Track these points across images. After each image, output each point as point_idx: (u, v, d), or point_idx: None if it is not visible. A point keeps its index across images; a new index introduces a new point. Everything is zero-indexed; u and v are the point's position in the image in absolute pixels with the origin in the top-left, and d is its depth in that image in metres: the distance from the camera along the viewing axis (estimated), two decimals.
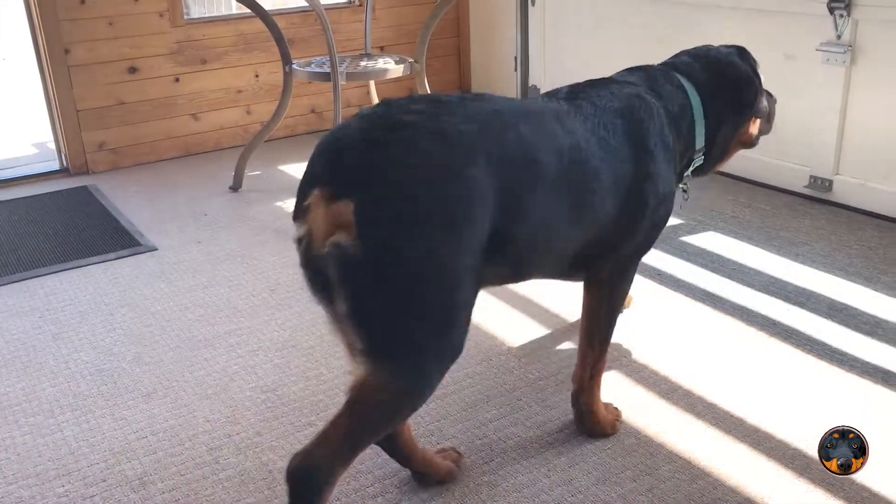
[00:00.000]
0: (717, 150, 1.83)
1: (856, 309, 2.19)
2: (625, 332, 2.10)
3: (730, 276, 2.39)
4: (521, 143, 1.39)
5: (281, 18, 3.62)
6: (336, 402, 1.86)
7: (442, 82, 4.37)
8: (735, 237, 2.64)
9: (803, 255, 2.50)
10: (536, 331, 2.15)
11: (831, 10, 2.71)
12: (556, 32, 3.91)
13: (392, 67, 3.04)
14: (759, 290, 2.31)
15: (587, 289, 1.71)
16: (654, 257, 2.51)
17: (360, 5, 4.01)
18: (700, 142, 1.76)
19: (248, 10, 3.12)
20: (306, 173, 1.33)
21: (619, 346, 2.04)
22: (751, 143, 1.93)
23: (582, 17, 3.75)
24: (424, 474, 1.60)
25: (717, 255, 2.53)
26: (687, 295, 2.29)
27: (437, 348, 1.33)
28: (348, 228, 1.23)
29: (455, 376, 1.94)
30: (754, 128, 1.90)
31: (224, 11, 3.87)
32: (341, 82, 2.88)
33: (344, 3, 4.14)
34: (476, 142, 1.32)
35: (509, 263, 1.44)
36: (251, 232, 2.87)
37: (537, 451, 1.68)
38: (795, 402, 1.81)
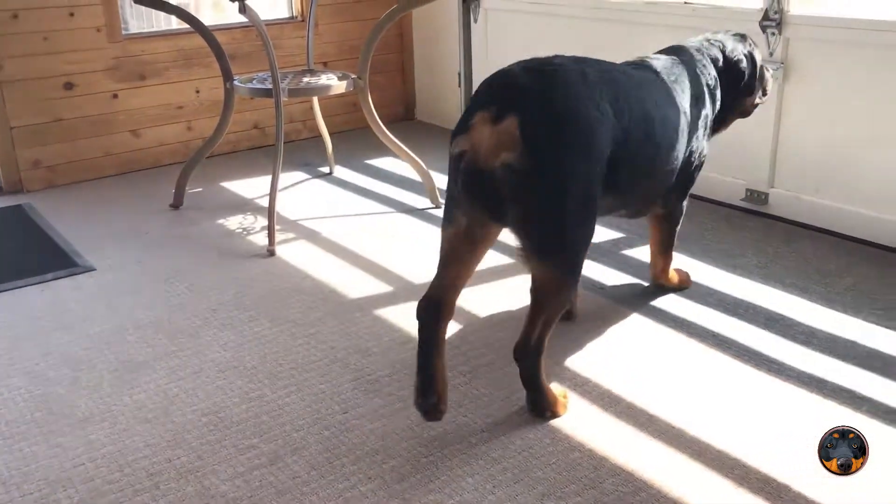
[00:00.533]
0: (718, 122, 2.25)
1: (792, 319, 2.24)
2: (567, 345, 2.12)
3: (669, 292, 2.43)
4: (631, 95, 1.80)
5: (222, 34, 3.59)
6: (280, 422, 1.84)
7: (386, 98, 4.38)
8: (675, 250, 2.69)
9: (741, 267, 2.56)
10: (481, 349, 2.16)
11: (763, 29, 2.80)
12: (498, 48, 3.95)
13: (335, 83, 3.03)
14: (699, 301, 2.35)
15: (655, 222, 2.27)
16: (595, 270, 2.54)
17: (303, 20, 4.00)
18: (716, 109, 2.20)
19: (189, 26, 3.09)
20: (471, 102, 1.64)
21: (560, 361, 2.06)
22: (748, 113, 2.38)
23: (522, 34, 3.80)
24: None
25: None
26: (627, 307, 2.33)
27: (584, 245, 1.69)
28: (514, 144, 1.51)
29: (401, 394, 1.94)
30: (751, 102, 2.34)
31: (164, 27, 3.82)
32: (283, 98, 2.87)
33: (286, 18, 4.13)
34: (605, 87, 1.72)
35: (612, 189, 1.76)
36: (192, 250, 2.83)
37: (483, 467, 1.68)
38: (735, 412, 1.84)
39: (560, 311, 1.76)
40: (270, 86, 2.87)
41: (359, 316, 2.34)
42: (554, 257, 1.64)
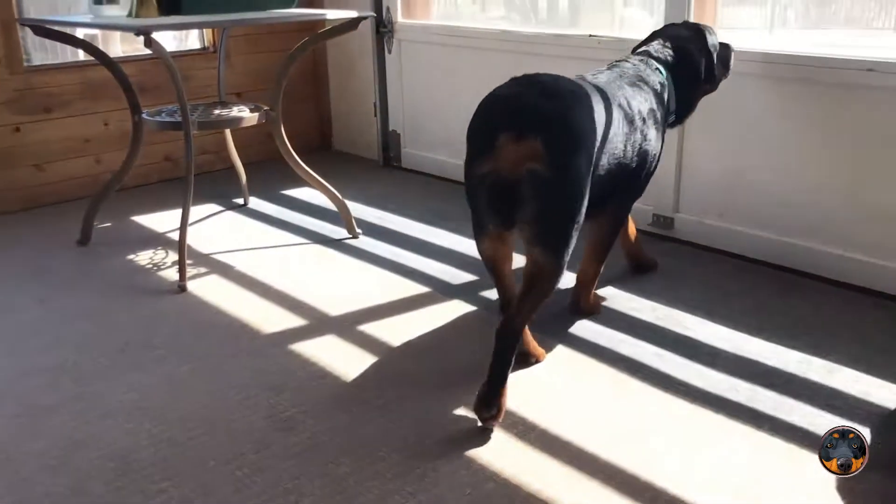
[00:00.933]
0: (684, 108, 2.48)
1: (697, 340, 2.32)
2: (480, 373, 2.13)
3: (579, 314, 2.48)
4: (602, 107, 2.05)
5: (131, 65, 3.52)
6: (190, 465, 1.80)
7: (301, 128, 4.36)
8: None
9: (649, 291, 2.63)
10: (397, 379, 2.16)
11: None
12: (412, 79, 3.99)
13: (246, 115, 3.01)
14: (609, 326, 2.40)
15: (600, 221, 2.36)
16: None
17: (215, 52, 3.96)
18: (673, 107, 2.41)
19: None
20: (485, 124, 1.92)
21: (472, 390, 2.07)
22: (712, 90, 2.56)
23: (436, 65, 3.85)
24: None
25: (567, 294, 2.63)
26: (536, 334, 2.36)
27: (573, 238, 1.95)
28: (540, 157, 1.79)
29: (314, 430, 1.92)
30: (713, 87, 2.55)
31: (71, 58, 3.72)
32: (193, 131, 2.83)
33: (198, 49, 4.08)
34: (592, 100, 2.01)
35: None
36: (100, 288, 2.75)
37: (398, 502, 1.68)
38: (644, 435, 1.89)
39: (550, 292, 1.98)
40: (180, 118, 2.83)
41: (273, 351, 2.31)
42: (555, 246, 1.92)
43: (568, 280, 2.43)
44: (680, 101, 2.44)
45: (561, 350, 2.28)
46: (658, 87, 2.36)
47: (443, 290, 2.68)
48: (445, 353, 2.29)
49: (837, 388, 2.06)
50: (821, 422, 1.91)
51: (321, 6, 4.29)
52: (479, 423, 1.91)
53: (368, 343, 2.34)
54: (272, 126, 3.10)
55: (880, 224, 2.55)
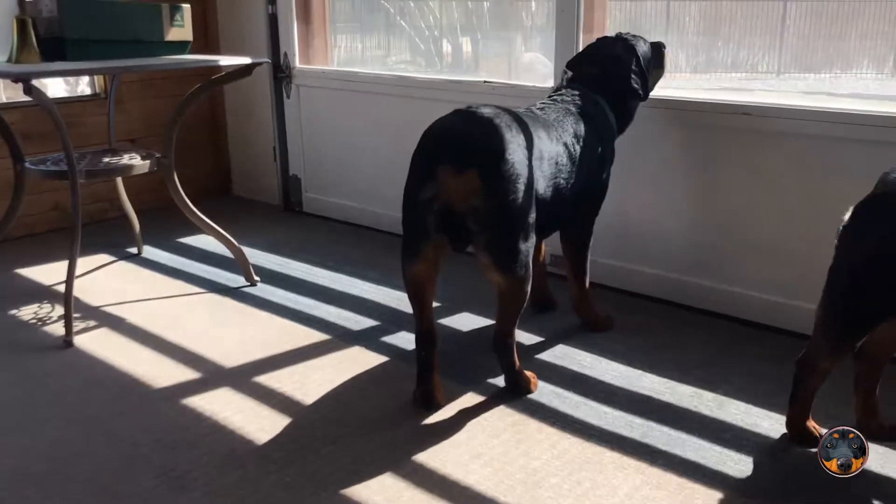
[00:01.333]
0: (624, 121, 2.62)
1: (595, 378, 2.36)
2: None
3: (482, 354, 2.49)
4: (533, 138, 2.18)
5: (14, 112, 3.40)
6: None
7: (200, 173, 4.28)
8: (484, 315, 2.78)
9: (547, 330, 2.67)
10: (294, 432, 2.11)
11: None
12: (312, 124, 3.98)
13: (137, 163, 2.93)
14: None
15: (566, 245, 2.62)
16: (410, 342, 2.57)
17: (106, 98, 3.85)
18: (615, 127, 2.57)
19: None
20: (426, 155, 2.04)
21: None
22: (647, 97, 2.64)
23: (335, 109, 3.86)
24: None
25: (472, 332, 2.64)
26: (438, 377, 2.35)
27: (530, 253, 2.11)
28: (478, 191, 1.96)
29: (208, 489, 1.85)
30: (652, 83, 2.67)
31: None
32: (80, 180, 2.73)
33: (89, 95, 3.97)
34: (524, 133, 2.13)
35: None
36: None
37: None
38: (543, 474, 1.90)
39: (521, 306, 2.17)
40: (65, 167, 2.73)
41: (164, 407, 2.23)
42: (512, 268, 2.07)
43: None
44: (619, 117, 2.57)
45: (461, 392, 2.28)
46: (597, 114, 2.48)
47: (343, 337, 2.66)
48: (345, 403, 2.25)
49: (727, 420, 2.13)
50: (711, 455, 1.97)
51: (217, 50, 4.25)
52: None
53: (265, 395, 2.29)
54: (165, 173, 3.03)
55: (756, 258, 2.67)
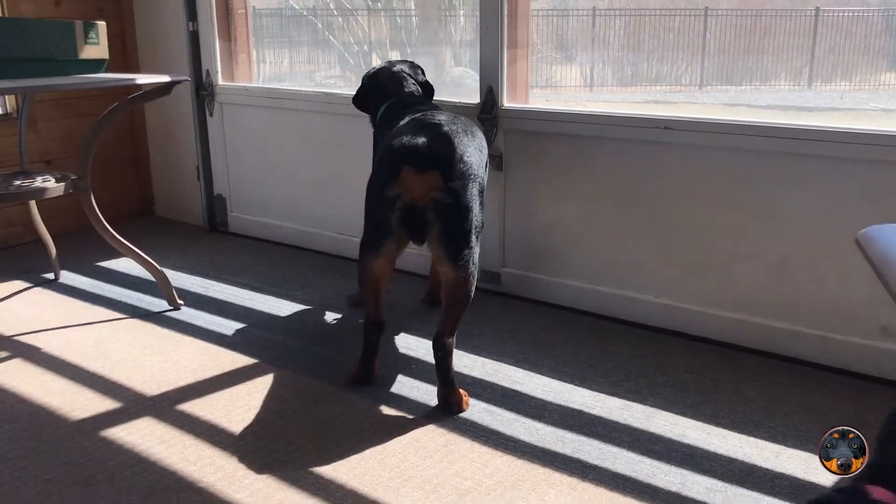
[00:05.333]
0: None
1: (525, 394, 2.35)
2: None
3: (413, 375, 2.47)
4: (482, 142, 2.49)
5: None
6: None
7: (120, 194, 4.16)
8: (418, 335, 2.75)
9: (479, 346, 2.66)
10: (219, 461, 2.04)
11: (482, 121, 2.99)
12: (236, 142, 3.91)
13: (50, 186, 2.82)
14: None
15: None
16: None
17: (17, 118, 3.71)
18: None
19: None
20: (391, 158, 2.20)
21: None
22: None
23: (258, 127, 3.79)
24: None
25: (401, 354, 2.61)
26: (368, 400, 2.32)
27: (476, 255, 2.24)
28: (439, 187, 2.15)
29: None
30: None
31: None
32: None
33: (0, 115, 3.81)
34: (476, 137, 2.42)
35: None
36: None
37: None
38: (475, 495, 1.87)
39: (466, 303, 2.26)
40: None
41: (81, 441, 2.13)
42: (463, 261, 2.19)
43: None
44: None
45: (389, 413, 2.25)
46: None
47: (270, 361, 2.59)
48: (271, 429, 2.19)
49: (656, 432, 2.15)
50: (641, 467, 1.98)
51: (137, 69, 4.14)
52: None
53: (189, 424, 2.21)
54: (81, 195, 2.92)
55: (688, 271, 2.72)
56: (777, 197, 2.52)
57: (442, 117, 2.38)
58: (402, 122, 2.43)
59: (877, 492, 0.92)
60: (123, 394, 2.39)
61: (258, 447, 2.09)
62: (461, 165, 2.21)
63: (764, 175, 2.52)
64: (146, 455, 2.06)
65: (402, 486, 1.91)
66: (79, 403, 2.32)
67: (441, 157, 2.20)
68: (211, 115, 3.93)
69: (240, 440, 2.13)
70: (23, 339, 2.78)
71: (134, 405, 2.32)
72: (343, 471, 1.97)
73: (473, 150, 2.31)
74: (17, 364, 2.59)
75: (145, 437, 2.14)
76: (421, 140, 2.22)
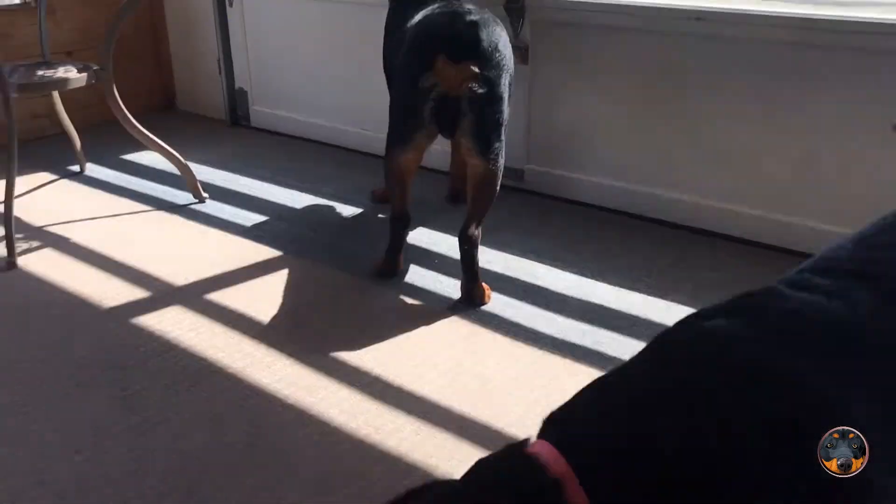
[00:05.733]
0: None
1: (546, 289, 2.38)
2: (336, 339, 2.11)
3: (436, 269, 2.49)
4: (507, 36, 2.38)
5: None
6: (24, 455, 1.69)
7: (142, 87, 4.13)
8: (442, 231, 2.76)
9: (501, 242, 2.67)
10: (248, 347, 2.10)
11: (508, 12, 2.91)
12: (257, 34, 3.84)
13: (73, 76, 2.81)
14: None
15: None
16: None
17: (36, 6, 3.66)
18: None
19: None
20: (424, 49, 2.17)
21: (346, 360, 2.05)
22: None
23: (278, 17, 3.71)
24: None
25: (424, 249, 2.63)
26: (391, 291, 2.36)
27: (503, 150, 2.24)
28: (475, 77, 2.10)
29: (158, 408, 1.84)
30: None
31: None
32: (13, 95, 2.61)
33: (18, 4, 3.76)
34: (503, 31, 2.32)
35: None
36: None
37: (246, 474, 1.64)
38: (495, 383, 1.93)
39: (492, 196, 2.28)
40: None
41: (113, 327, 2.19)
42: (494, 153, 2.19)
43: None
44: None
45: (413, 304, 2.28)
46: None
47: (296, 253, 2.63)
48: (298, 318, 2.25)
49: None
50: None
51: None
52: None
53: (217, 312, 2.26)
54: (104, 86, 2.91)
55: (714, 167, 2.68)
56: (812, 92, 2.46)
57: (469, 5, 2.33)
58: (427, 10, 2.37)
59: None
60: (152, 283, 2.44)
61: (286, 335, 2.14)
62: (497, 55, 2.17)
63: (795, 68, 2.45)
64: (176, 342, 2.12)
65: (427, 373, 1.97)
66: (109, 292, 2.38)
67: (477, 45, 2.15)
68: (230, 5, 3.85)
69: (268, 329, 2.18)
70: (52, 229, 2.83)
71: (163, 294, 2.38)
72: (368, 358, 2.02)
73: (505, 41, 2.27)
74: (48, 253, 2.64)
75: (175, 324, 2.20)
76: (455, 29, 2.18)
